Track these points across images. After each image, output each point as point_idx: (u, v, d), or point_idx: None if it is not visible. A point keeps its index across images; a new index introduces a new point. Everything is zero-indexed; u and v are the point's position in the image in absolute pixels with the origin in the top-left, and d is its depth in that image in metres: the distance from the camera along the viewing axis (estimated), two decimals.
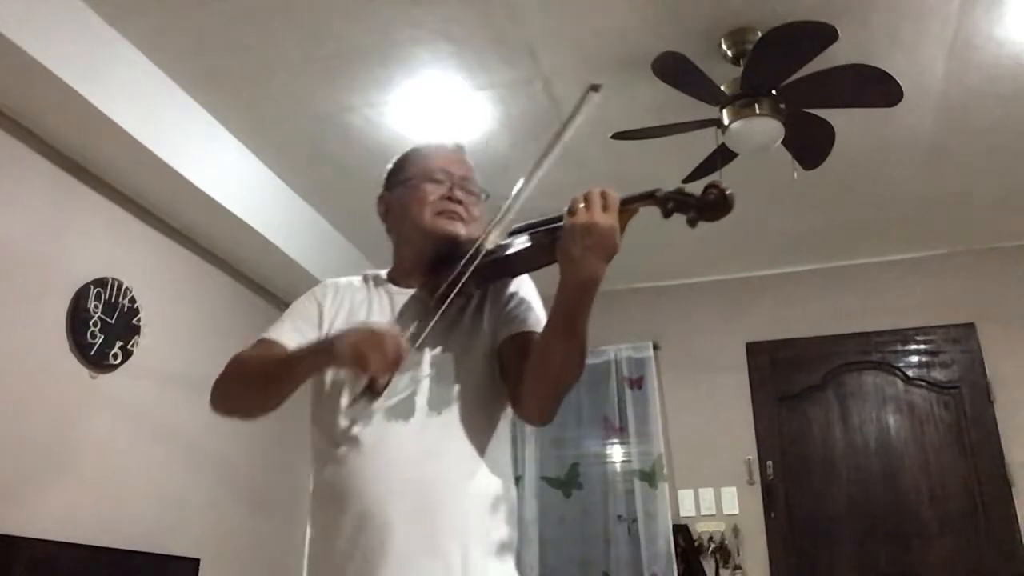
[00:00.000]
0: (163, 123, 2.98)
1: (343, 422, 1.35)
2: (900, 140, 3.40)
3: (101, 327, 2.93)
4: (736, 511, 4.22)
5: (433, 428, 1.32)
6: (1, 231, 2.64)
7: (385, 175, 1.60)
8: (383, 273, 1.56)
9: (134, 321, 3.11)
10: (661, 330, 4.61)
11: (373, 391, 1.21)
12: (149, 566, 2.93)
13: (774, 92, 2.75)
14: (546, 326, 1.30)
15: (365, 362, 1.18)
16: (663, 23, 2.72)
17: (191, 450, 3.35)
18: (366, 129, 3.29)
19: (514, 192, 1.34)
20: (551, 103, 3.12)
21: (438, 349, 1.39)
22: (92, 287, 2.92)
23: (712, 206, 1.23)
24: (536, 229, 1.36)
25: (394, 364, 1.19)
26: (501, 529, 1.32)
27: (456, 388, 1.36)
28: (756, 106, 2.75)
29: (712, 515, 4.24)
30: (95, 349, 2.90)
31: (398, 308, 1.47)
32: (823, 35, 2.54)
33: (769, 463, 4.25)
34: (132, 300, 3.11)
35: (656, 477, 4.30)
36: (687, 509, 4.28)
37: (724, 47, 2.81)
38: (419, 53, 2.87)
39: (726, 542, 4.15)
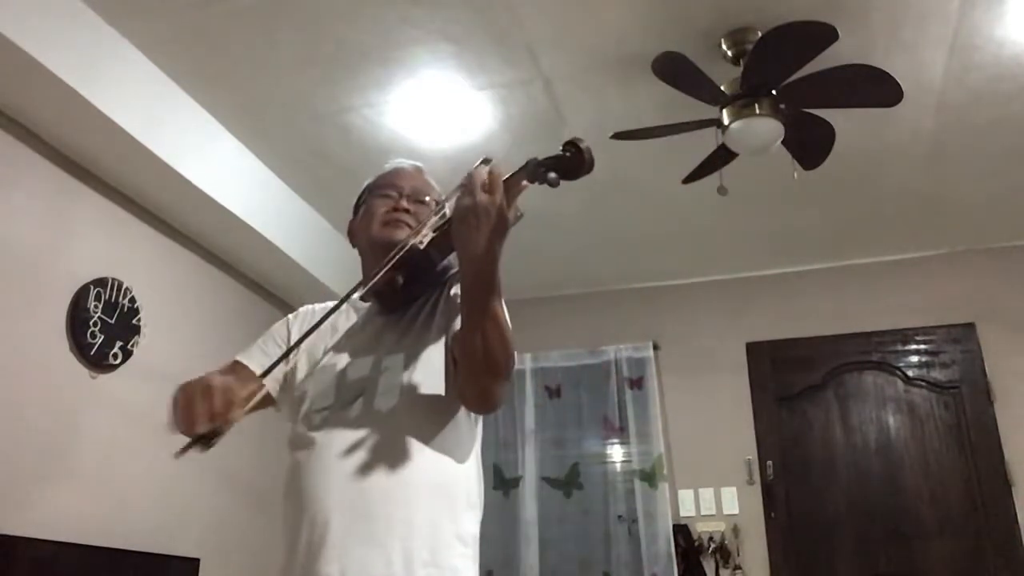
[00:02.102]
0: (163, 123, 2.98)
1: (301, 426, 1.45)
2: (900, 140, 3.40)
3: (101, 327, 2.93)
4: (736, 511, 4.21)
5: (378, 425, 1.36)
6: (1, 231, 2.64)
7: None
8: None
9: (134, 321, 3.11)
10: (661, 330, 4.60)
11: (199, 441, 1.24)
12: (149, 566, 2.93)
13: (774, 92, 2.75)
14: (461, 311, 1.32)
15: (192, 409, 1.24)
16: (663, 23, 2.72)
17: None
18: (366, 129, 3.29)
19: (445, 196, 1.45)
20: (551, 103, 3.12)
21: (391, 350, 1.44)
22: (92, 287, 2.92)
23: (570, 163, 1.24)
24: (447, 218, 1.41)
25: (218, 415, 1.23)
26: (453, 521, 1.34)
27: (404, 387, 1.39)
28: (756, 106, 2.75)
29: (712, 515, 4.24)
30: (95, 349, 2.90)
31: (359, 322, 1.56)
32: (823, 35, 2.54)
33: (769, 463, 4.25)
34: (132, 300, 3.11)
35: (656, 477, 4.31)
36: (687, 509, 4.28)
37: (724, 47, 2.81)
38: (419, 53, 2.87)
39: (726, 542, 4.15)
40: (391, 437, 1.35)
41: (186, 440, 1.25)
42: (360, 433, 1.36)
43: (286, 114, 3.22)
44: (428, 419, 1.39)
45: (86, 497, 2.83)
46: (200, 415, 1.22)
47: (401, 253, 1.39)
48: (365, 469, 1.33)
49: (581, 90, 3.07)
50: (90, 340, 2.88)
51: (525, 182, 1.26)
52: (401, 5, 2.64)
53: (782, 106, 2.77)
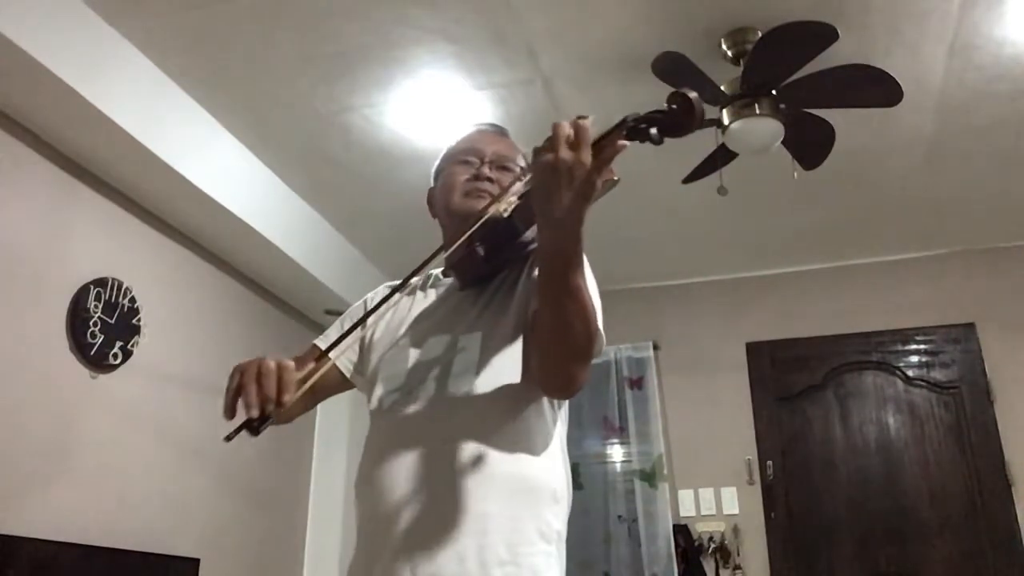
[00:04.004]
0: (163, 123, 2.98)
1: (375, 411, 1.37)
2: (900, 140, 3.40)
3: (101, 327, 2.93)
4: (736, 511, 4.21)
5: (451, 410, 1.27)
6: (1, 231, 2.64)
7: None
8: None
9: (134, 321, 3.11)
10: (661, 330, 4.61)
11: (249, 426, 1.12)
12: (149, 566, 2.93)
13: (774, 92, 2.75)
14: (538, 285, 1.19)
15: (244, 393, 1.13)
16: (663, 23, 2.72)
17: (191, 450, 3.34)
18: (366, 129, 3.29)
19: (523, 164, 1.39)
20: (551, 103, 3.12)
21: (468, 328, 1.35)
22: (92, 287, 2.92)
23: (677, 117, 1.07)
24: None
25: (267, 399, 1.11)
26: (535, 516, 1.24)
27: (480, 368, 1.29)
28: (756, 106, 2.75)
29: (712, 515, 4.24)
30: (95, 349, 2.90)
31: (437, 298, 1.48)
32: (823, 35, 2.54)
33: (769, 463, 4.25)
34: (132, 300, 3.11)
35: (656, 477, 4.31)
36: (687, 509, 4.28)
37: (724, 47, 2.81)
38: (419, 53, 2.87)
39: (726, 542, 4.15)
40: (465, 423, 1.25)
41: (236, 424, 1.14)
42: (432, 419, 1.27)
43: (286, 114, 3.22)
44: (506, 404, 1.27)
45: (86, 497, 2.83)
46: (252, 399, 1.11)
47: (481, 222, 1.26)
48: (436, 459, 1.23)
49: (581, 90, 3.06)
50: (90, 340, 2.88)
51: (622, 141, 1.08)
52: (401, 5, 2.64)
53: (782, 106, 2.78)
